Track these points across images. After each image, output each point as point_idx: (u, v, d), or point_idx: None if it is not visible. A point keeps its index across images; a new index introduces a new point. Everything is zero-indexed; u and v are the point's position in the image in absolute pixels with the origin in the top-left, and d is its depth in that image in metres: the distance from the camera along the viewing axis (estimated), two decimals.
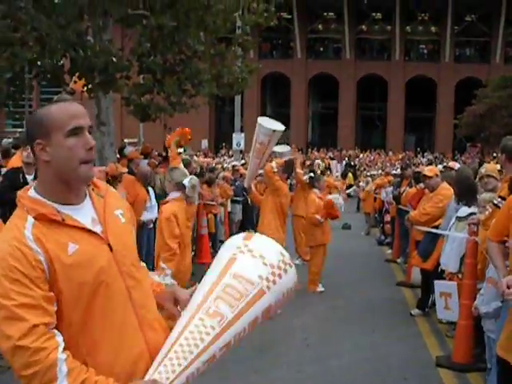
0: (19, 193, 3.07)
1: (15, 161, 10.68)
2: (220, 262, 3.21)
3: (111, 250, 3.07)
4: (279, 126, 12.52)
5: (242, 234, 3.35)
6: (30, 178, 9.55)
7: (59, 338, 2.82)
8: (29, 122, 3.09)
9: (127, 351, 3.04)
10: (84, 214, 3.06)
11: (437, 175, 11.63)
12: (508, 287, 4.94)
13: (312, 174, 14.79)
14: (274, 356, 8.99)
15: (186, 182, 8.60)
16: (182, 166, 12.80)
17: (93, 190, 3.20)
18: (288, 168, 12.48)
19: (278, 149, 13.75)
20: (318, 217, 13.44)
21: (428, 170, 12.21)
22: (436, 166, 22.75)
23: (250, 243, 3.23)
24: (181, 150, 39.54)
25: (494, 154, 37.99)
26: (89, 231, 3.02)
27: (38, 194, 3.04)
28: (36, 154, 3.05)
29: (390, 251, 19.21)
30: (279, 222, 11.96)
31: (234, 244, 3.27)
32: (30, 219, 2.91)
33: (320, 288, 13.60)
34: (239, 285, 3.07)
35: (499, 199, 7.18)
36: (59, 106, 3.01)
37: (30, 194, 3.04)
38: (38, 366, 2.71)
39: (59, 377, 2.73)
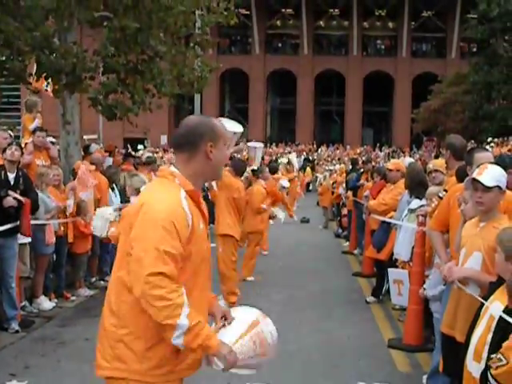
0: (171, 168, 3.88)
1: None
2: (249, 315, 4.15)
3: None
4: (238, 128, 12.66)
5: (260, 312, 4.27)
6: (11, 176, 9.82)
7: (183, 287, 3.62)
8: (202, 124, 3.89)
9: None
10: None
11: (398, 170, 12.21)
12: (449, 270, 5.61)
13: (254, 167, 15.34)
14: None
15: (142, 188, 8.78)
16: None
17: None
18: (239, 169, 12.55)
19: (253, 144, 13.90)
20: (263, 205, 14.32)
21: (391, 164, 12.98)
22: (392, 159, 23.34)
23: (266, 319, 4.21)
24: (140, 146, 39.31)
25: None
26: (206, 221, 3.91)
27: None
28: (201, 150, 3.83)
29: (346, 243, 19.76)
30: (235, 217, 11.99)
31: (256, 312, 4.22)
32: (183, 192, 3.73)
33: (251, 278, 14.36)
34: (262, 337, 4.07)
35: (444, 192, 7.76)
36: (220, 122, 3.91)
37: (175, 170, 3.86)
38: (170, 301, 3.49)
39: (182, 315, 3.51)
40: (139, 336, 3.72)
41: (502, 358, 4.27)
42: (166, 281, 3.52)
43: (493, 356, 4.40)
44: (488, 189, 5.40)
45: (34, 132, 12.49)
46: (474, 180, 5.46)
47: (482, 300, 4.97)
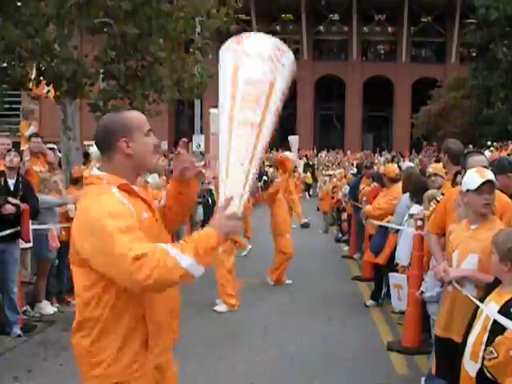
0: (95, 172, 3.75)
1: None
2: (226, 73, 3.65)
3: None
4: None
5: (234, 39, 3.68)
6: (11, 182, 9.91)
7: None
8: (111, 122, 3.75)
9: (168, 306, 3.83)
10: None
11: (396, 174, 12.29)
12: (444, 272, 5.71)
13: (265, 178, 15.31)
14: (237, 343, 9.66)
15: None
16: None
17: None
18: None
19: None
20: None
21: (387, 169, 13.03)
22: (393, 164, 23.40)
23: (244, 46, 3.60)
24: None
25: None
26: (150, 207, 3.78)
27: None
28: (117, 148, 3.68)
29: (346, 248, 19.85)
30: None
31: (231, 49, 3.64)
32: (114, 188, 3.59)
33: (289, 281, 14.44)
34: (253, 89, 3.57)
35: (441, 196, 7.84)
36: (135, 113, 3.81)
37: (99, 172, 3.73)
38: (159, 263, 3.30)
39: (177, 257, 3.35)
40: (105, 343, 3.65)
41: (493, 351, 4.37)
42: (142, 256, 3.28)
43: (486, 348, 4.51)
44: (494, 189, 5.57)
45: (29, 138, 12.58)
46: (488, 182, 5.52)
47: (478, 302, 5.05)
